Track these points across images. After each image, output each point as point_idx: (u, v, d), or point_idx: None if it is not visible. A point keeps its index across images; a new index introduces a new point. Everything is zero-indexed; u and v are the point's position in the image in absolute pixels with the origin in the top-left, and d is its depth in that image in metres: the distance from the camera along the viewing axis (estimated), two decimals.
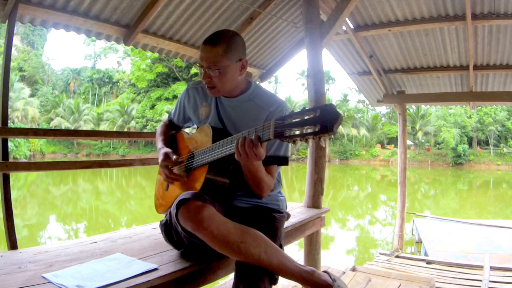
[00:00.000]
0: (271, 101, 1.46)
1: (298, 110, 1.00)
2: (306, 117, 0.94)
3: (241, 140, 1.14)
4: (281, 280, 1.26)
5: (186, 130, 1.77)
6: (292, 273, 1.21)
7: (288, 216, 1.64)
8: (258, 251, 1.20)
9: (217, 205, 1.34)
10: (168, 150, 1.52)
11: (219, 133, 1.39)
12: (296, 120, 0.96)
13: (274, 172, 1.44)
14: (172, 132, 1.75)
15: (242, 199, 1.50)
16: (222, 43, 1.36)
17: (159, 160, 1.51)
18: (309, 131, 0.92)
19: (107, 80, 47.30)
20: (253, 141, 1.11)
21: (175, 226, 1.32)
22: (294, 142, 0.97)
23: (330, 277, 1.23)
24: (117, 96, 45.91)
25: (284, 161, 1.44)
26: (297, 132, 0.95)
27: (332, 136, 0.91)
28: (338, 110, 0.91)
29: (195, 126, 1.68)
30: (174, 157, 1.46)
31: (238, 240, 1.20)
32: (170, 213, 1.36)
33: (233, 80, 1.42)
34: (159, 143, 1.64)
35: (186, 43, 3.27)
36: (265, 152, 1.17)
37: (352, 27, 3.96)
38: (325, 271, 1.25)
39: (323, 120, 0.90)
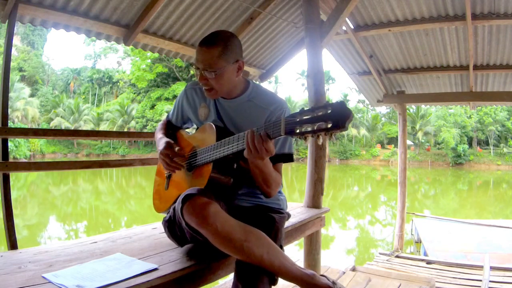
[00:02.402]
0: (270, 101, 1.46)
1: (308, 107, 1.01)
2: (317, 114, 0.96)
3: (251, 136, 1.14)
4: (281, 280, 1.26)
5: (187, 130, 1.77)
6: (293, 275, 1.21)
7: (288, 216, 1.64)
8: (261, 251, 1.20)
9: (222, 203, 1.34)
10: (169, 140, 1.52)
11: (223, 132, 1.39)
12: (307, 117, 0.98)
13: (280, 170, 1.45)
14: (170, 131, 1.75)
15: (243, 198, 1.50)
16: (218, 45, 1.34)
17: (160, 149, 1.49)
18: (320, 127, 0.94)
19: (107, 80, 47.29)
20: (263, 136, 1.11)
21: (179, 222, 1.32)
22: (305, 138, 0.99)
23: (329, 280, 1.23)
24: (117, 96, 45.90)
25: (289, 158, 1.44)
26: (309, 129, 0.97)
27: (343, 133, 0.94)
28: (349, 107, 0.93)
29: (194, 126, 1.68)
30: (177, 148, 1.46)
31: (241, 239, 1.20)
32: (174, 209, 1.36)
33: (230, 81, 1.41)
34: (159, 135, 1.63)
35: (186, 43, 3.27)
36: None
37: (352, 27, 3.96)
38: (322, 275, 1.25)
39: (335, 117, 0.92)
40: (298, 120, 1.00)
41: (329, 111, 0.94)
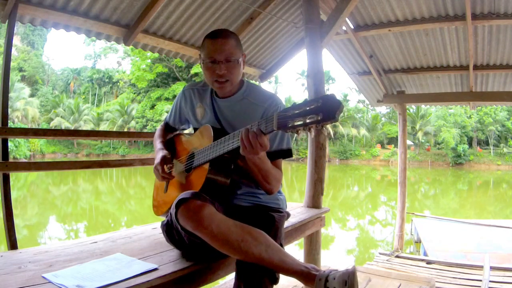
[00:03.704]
0: (264, 97, 1.48)
1: (300, 102, 1.02)
2: (308, 108, 0.97)
3: (244, 132, 1.14)
4: (281, 280, 1.26)
5: (185, 132, 1.78)
6: (294, 270, 1.21)
7: (288, 215, 1.64)
8: (259, 249, 1.20)
9: (217, 204, 1.34)
10: (166, 153, 1.54)
11: (219, 133, 1.40)
12: (299, 111, 0.99)
13: (280, 166, 1.45)
14: (169, 135, 1.76)
15: (241, 198, 1.50)
16: (232, 36, 1.41)
17: (156, 162, 1.52)
18: (312, 120, 0.96)
19: (107, 80, 47.29)
20: (256, 131, 1.12)
21: (175, 226, 1.32)
22: (297, 132, 1.00)
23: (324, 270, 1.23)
24: (117, 96, 45.90)
25: (288, 153, 1.45)
26: (300, 122, 0.98)
27: (334, 123, 0.95)
28: (338, 99, 0.94)
29: (191, 127, 1.69)
30: (168, 166, 1.50)
31: (238, 239, 1.20)
32: (170, 213, 1.37)
33: (240, 73, 1.46)
34: (158, 144, 1.65)
35: (186, 43, 3.27)
36: (269, 147, 1.18)
37: (352, 27, 3.96)
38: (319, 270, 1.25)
39: (325, 109, 0.94)
40: (290, 114, 1.01)
41: (320, 104, 0.95)
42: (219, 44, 1.37)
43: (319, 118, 0.94)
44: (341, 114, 0.96)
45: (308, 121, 0.96)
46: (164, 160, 1.50)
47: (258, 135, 1.12)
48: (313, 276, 1.18)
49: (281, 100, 1.51)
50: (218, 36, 1.38)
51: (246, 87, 1.51)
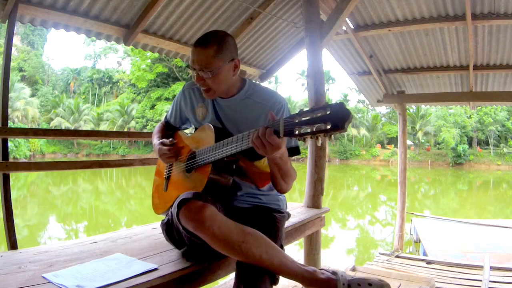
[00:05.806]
0: (267, 96, 1.46)
1: (307, 108, 1.00)
2: (316, 116, 0.95)
3: (255, 133, 1.12)
4: (281, 280, 1.26)
5: (186, 131, 1.77)
6: (294, 273, 1.21)
7: (289, 216, 1.64)
8: (259, 251, 1.20)
9: (218, 205, 1.34)
10: (162, 140, 1.56)
11: (221, 133, 1.39)
12: (306, 118, 0.97)
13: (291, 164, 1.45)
14: (169, 133, 1.75)
15: (242, 199, 1.50)
16: (213, 44, 1.34)
17: (158, 153, 1.54)
18: (320, 129, 0.93)
19: (107, 80, 47.28)
20: (267, 131, 1.09)
21: (176, 226, 1.32)
22: (304, 140, 0.98)
23: (329, 272, 1.23)
24: (117, 96, 45.90)
25: (296, 150, 1.43)
26: (308, 130, 0.95)
27: (343, 133, 0.93)
28: (348, 108, 0.92)
29: (193, 127, 1.68)
30: (170, 139, 1.52)
31: (239, 240, 1.19)
32: (171, 213, 1.37)
33: (227, 80, 1.41)
34: (155, 139, 1.64)
35: (186, 43, 3.27)
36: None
37: (352, 27, 3.96)
38: (321, 269, 1.25)
39: (334, 118, 0.91)
40: (297, 121, 0.99)
41: (328, 112, 0.92)
42: (197, 54, 1.36)
43: (327, 128, 0.92)
44: (352, 115, 0.94)
45: (315, 129, 0.94)
46: (163, 144, 1.53)
47: (267, 134, 1.08)
48: (319, 279, 1.19)
49: (285, 99, 1.49)
50: (197, 45, 1.36)
51: (249, 86, 1.49)
